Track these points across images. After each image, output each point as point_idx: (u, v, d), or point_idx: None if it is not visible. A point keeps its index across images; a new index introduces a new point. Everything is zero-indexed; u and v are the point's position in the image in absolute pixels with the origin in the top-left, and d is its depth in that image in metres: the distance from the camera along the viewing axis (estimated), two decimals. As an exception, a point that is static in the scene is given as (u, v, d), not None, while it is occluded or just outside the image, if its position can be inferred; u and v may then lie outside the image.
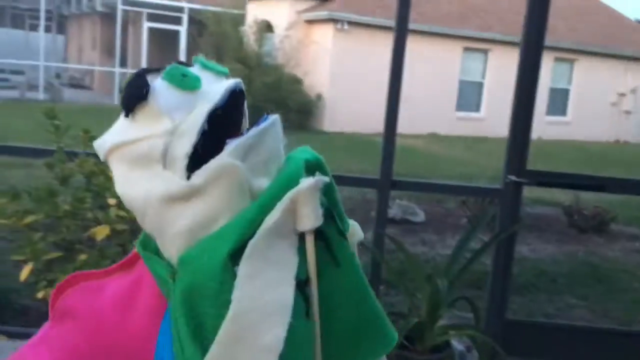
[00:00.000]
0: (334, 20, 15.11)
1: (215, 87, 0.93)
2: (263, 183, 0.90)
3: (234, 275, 0.83)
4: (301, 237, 0.89)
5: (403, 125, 2.91)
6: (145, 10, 18.15)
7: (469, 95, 17.40)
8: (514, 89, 2.91)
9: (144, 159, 0.88)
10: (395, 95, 2.84)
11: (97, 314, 0.96)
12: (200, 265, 0.85)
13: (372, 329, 1.02)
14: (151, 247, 0.96)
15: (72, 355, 0.96)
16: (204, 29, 16.38)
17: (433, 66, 15.70)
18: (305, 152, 1.01)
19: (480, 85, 17.60)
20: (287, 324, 0.83)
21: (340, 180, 3.34)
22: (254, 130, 0.95)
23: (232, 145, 0.92)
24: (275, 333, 0.82)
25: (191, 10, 17.99)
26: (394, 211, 6.18)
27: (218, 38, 15.98)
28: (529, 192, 7.15)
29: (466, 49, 17.01)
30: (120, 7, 17.92)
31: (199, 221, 0.86)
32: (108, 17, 19.98)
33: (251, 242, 0.84)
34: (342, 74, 15.30)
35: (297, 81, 15.28)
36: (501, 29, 17.20)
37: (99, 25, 21.37)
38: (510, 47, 16.52)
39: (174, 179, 0.86)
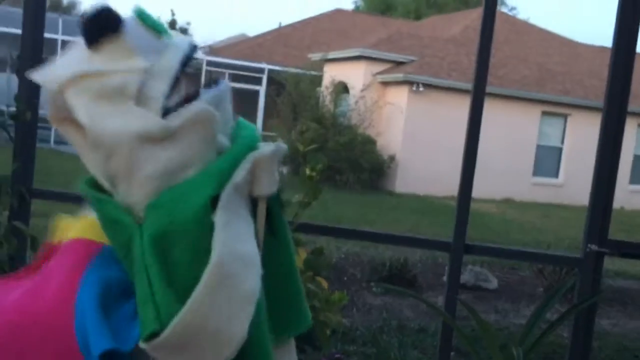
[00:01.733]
0: (409, 82, 15.28)
1: (175, 39, 0.93)
2: (224, 140, 0.89)
3: (210, 223, 0.81)
4: (252, 201, 0.88)
5: (477, 189, 2.89)
6: (228, 71, 19.02)
7: (547, 161, 16.96)
8: (595, 154, 2.84)
9: (116, 93, 0.83)
10: (471, 158, 2.83)
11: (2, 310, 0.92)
12: (177, 209, 0.82)
13: (293, 306, 1.01)
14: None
15: None
16: (283, 89, 16.94)
17: (510, 130, 15.48)
18: (249, 124, 1.01)
19: (559, 151, 17.15)
20: (260, 276, 0.82)
21: (412, 242, 3.34)
22: (223, 86, 0.96)
23: (208, 94, 0.93)
24: (253, 283, 0.82)
25: (271, 71, 18.70)
26: (466, 277, 6.03)
27: (296, 98, 16.46)
28: (611, 264, 6.81)
29: (544, 113, 16.72)
30: (205, 67, 18.87)
31: (172, 166, 0.83)
32: (193, 77, 21.01)
33: (224, 193, 0.82)
34: (416, 135, 15.33)
35: (370, 141, 15.42)
36: (581, 93, 16.85)
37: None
38: (590, 111, 16.11)
39: (151, 117, 0.83)
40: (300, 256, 2.43)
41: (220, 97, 0.93)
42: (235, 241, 0.83)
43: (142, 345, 0.83)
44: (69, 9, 39.27)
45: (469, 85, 2.79)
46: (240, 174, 0.85)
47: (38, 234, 2.87)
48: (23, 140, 2.93)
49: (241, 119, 0.99)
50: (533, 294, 6.17)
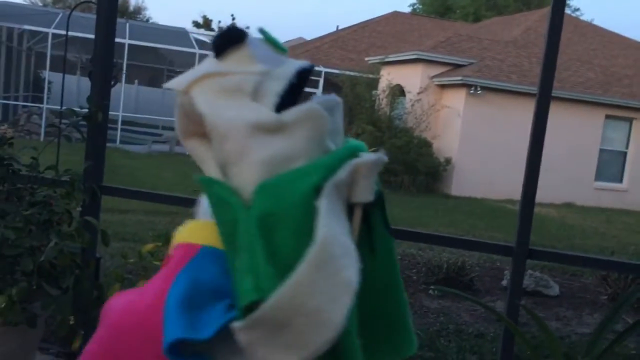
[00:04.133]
0: (467, 85, 15.07)
1: (291, 60, 1.00)
2: (332, 147, 0.93)
3: (315, 209, 0.84)
4: (349, 209, 0.91)
5: (537, 193, 2.83)
6: (285, 74, 19.24)
7: (610, 165, 16.39)
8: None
9: (234, 90, 0.91)
10: (536, 161, 2.78)
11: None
12: (284, 193, 0.86)
13: (396, 327, 0.98)
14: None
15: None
16: (339, 92, 16.99)
17: (572, 134, 15.04)
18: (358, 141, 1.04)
19: (623, 155, 16.55)
20: (358, 270, 0.83)
21: (474, 245, 3.29)
22: (335, 97, 1.01)
23: (320, 98, 0.97)
24: (353, 272, 0.82)
25: (328, 74, 18.79)
26: (526, 282, 5.89)
27: (352, 101, 16.48)
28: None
29: (608, 117, 16.16)
30: (262, 70, 19.15)
31: (280, 155, 0.88)
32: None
33: (327, 185, 0.85)
34: (473, 138, 15.10)
35: (426, 144, 15.29)
36: (648, 96, 16.22)
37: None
38: (658, 116, 15.51)
39: (265, 110, 0.89)
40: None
41: (331, 105, 1.00)
42: (337, 229, 0.85)
43: (237, 325, 0.84)
44: (135, 14, 40.57)
45: (529, 88, 2.73)
46: (341, 174, 0.88)
47: (106, 228, 3.00)
48: (94, 140, 3.06)
49: (351, 139, 1.03)
50: (596, 302, 5.98)
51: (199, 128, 0.93)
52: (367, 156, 0.91)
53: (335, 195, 0.87)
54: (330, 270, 0.82)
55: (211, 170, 0.96)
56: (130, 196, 3.44)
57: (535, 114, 2.81)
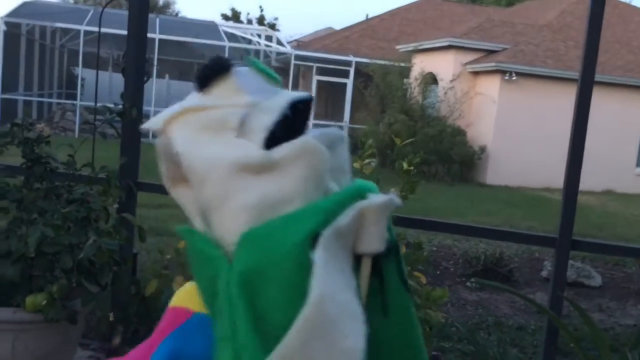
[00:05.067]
0: (501, 71, 14.78)
1: (285, 91, 0.88)
2: (334, 187, 0.80)
3: (310, 263, 0.69)
4: (356, 260, 0.76)
5: (579, 181, 2.74)
6: (315, 65, 19.16)
7: (652, 151, 15.94)
8: None
9: (217, 124, 0.80)
10: (579, 149, 2.68)
11: None
12: (272, 243, 0.72)
13: None
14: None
15: None
16: (370, 82, 16.85)
17: (612, 119, 14.63)
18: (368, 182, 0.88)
19: (665, 140, 16.07)
20: (365, 335, 0.68)
21: (514, 236, 3.21)
22: (336, 130, 0.86)
23: (317, 131, 0.83)
24: (358, 340, 0.68)
25: (358, 63, 18.66)
26: (567, 273, 5.76)
27: (383, 90, 16.34)
28: None
29: (649, 101, 15.69)
30: (293, 62, 19.11)
31: (268, 199, 0.75)
32: (282, 71, 21.37)
33: (325, 234, 0.71)
34: (508, 125, 14.83)
35: (460, 133, 15.08)
36: (691, 78, 15.68)
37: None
38: (702, 98, 14.98)
39: (252, 147, 0.77)
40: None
41: (331, 138, 0.82)
42: (336, 286, 0.70)
43: None
44: (164, 8, 40.94)
45: (566, 73, 2.63)
46: (344, 220, 0.73)
47: (141, 223, 3.01)
48: (129, 136, 3.07)
49: (360, 180, 0.88)
50: (640, 293, 5.81)
51: (185, 174, 0.80)
52: (376, 198, 0.76)
53: (336, 245, 0.73)
54: (327, 337, 0.67)
55: (196, 220, 0.83)
56: (166, 192, 3.45)
57: (577, 102, 2.71)
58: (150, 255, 4.68)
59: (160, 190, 3.26)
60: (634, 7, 21.09)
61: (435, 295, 2.18)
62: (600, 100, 13.03)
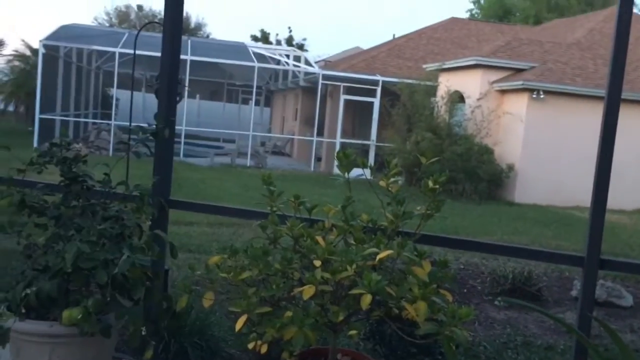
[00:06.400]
0: (529, 90, 14.70)
1: None
2: None
3: None
4: None
5: (607, 199, 2.73)
6: (343, 84, 19.29)
7: (684, 169, 15.62)
8: None
9: None
10: (606, 167, 2.69)
11: None
12: None
13: None
14: None
15: None
16: (397, 101, 16.90)
17: (641, 136, 14.43)
18: None
19: (698, 158, 15.74)
20: None
21: (542, 256, 3.21)
22: None
23: None
24: None
25: (385, 82, 18.73)
26: (597, 292, 5.67)
27: (410, 108, 16.37)
28: None
29: (682, 118, 15.41)
30: (320, 81, 19.27)
31: None
32: (309, 90, 21.57)
33: None
34: (536, 143, 14.70)
35: (487, 151, 15.00)
36: None
37: (300, 98, 23.14)
38: None
39: None
40: (424, 268, 2.42)
41: None
42: None
43: None
44: (196, 30, 41.68)
45: (595, 91, 2.64)
46: None
47: (172, 240, 3.09)
48: (161, 155, 3.17)
49: None
50: (674, 314, 5.69)
51: None
52: None
53: None
54: None
55: None
56: (196, 209, 3.54)
57: (604, 119, 2.72)
58: (180, 271, 4.77)
59: (191, 207, 3.35)
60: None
61: (461, 313, 2.20)
62: (629, 118, 12.89)
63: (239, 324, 2.34)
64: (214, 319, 3.47)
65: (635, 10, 28.36)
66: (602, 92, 2.77)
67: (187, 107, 18.41)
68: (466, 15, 37.03)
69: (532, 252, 3.13)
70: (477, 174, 14.41)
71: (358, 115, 21.14)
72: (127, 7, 43.08)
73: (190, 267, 2.62)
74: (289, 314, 2.36)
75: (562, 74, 15.25)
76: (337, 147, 17.09)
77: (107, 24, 40.77)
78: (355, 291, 2.21)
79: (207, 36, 41.85)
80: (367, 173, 2.63)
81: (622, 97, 2.72)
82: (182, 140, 17.97)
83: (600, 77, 14.63)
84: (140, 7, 43.06)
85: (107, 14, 43.90)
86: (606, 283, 5.94)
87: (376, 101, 18.94)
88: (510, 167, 14.89)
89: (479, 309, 5.21)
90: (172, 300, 2.92)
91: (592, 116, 12.70)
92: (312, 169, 18.73)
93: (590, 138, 2.60)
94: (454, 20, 26.08)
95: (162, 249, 2.94)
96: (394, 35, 28.45)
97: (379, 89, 18.87)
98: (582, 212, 12.45)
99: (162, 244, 2.91)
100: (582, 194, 13.76)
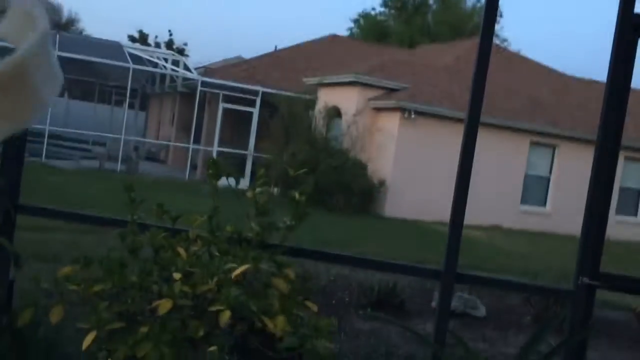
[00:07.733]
0: (401, 109, 15.37)
1: None
2: None
3: None
4: None
5: (466, 215, 2.87)
6: (222, 92, 19.05)
7: (535, 190, 17.08)
8: (588, 188, 2.84)
9: None
10: (464, 189, 2.82)
11: None
12: None
13: None
14: None
15: None
16: (276, 112, 16.97)
17: (499, 158, 15.59)
18: None
19: (546, 180, 17.28)
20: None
21: (403, 269, 3.31)
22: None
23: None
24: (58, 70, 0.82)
25: (265, 93, 18.75)
26: (454, 304, 5.98)
27: (288, 120, 16.50)
28: (599, 294, 6.80)
29: (533, 143, 16.85)
30: (199, 88, 18.90)
31: None
32: (188, 96, 21.08)
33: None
34: (406, 161, 15.39)
35: (361, 166, 15.46)
36: (569, 124, 17.01)
37: (178, 104, 22.54)
38: (578, 143, 16.26)
39: None
40: (289, 277, 2.40)
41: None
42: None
43: None
44: (67, 26, 39.37)
45: (460, 114, 2.82)
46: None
47: (26, 248, 2.83)
48: (10, 155, 2.90)
49: None
50: (521, 323, 6.13)
51: None
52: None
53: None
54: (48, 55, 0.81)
55: None
56: (49, 215, 3.28)
57: (464, 140, 2.86)
58: (31, 282, 4.40)
59: (43, 213, 3.08)
60: (522, 56, 22.71)
61: (322, 325, 2.19)
62: (489, 141, 13.89)
63: (86, 342, 2.17)
64: (65, 336, 3.22)
65: (497, 42, 30.70)
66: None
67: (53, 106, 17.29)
68: (346, 33, 38.16)
69: (394, 266, 3.22)
70: (351, 187, 14.79)
71: (237, 124, 20.96)
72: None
73: (35, 278, 2.40)
74: (144, 329, 2.23)
75: (431, 96, 16.10)
76: (215, 156, 16.82)
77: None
78: (213, 307, 2.13)
79: (81, 32, 39.73)
80: (234, 183, 2.56)
81: (482, 121, 2.88)
82: (45, 140, 16.84)
83: (465, 102, 15.56)
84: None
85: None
86: (463, 295, 6.28)
87: (255, 111, 18.91)
88: (382, 183, 15.44)
89: (346, 320, 5.30)
90: (15, 316, 2.65)
91: (457, 137, 13.40)
92: (187, 177, 18.28)
93: (455, 157, 2.74)
94: (334, 37, 26.73)
95: (7, 259, 2.68)
96: (275, 47, 28.63)
97: (258, 99, 18.86)
98: (446, 227, 13.15)
99: (6, 253, 2.65)
100: (447, 210, 14.40)
